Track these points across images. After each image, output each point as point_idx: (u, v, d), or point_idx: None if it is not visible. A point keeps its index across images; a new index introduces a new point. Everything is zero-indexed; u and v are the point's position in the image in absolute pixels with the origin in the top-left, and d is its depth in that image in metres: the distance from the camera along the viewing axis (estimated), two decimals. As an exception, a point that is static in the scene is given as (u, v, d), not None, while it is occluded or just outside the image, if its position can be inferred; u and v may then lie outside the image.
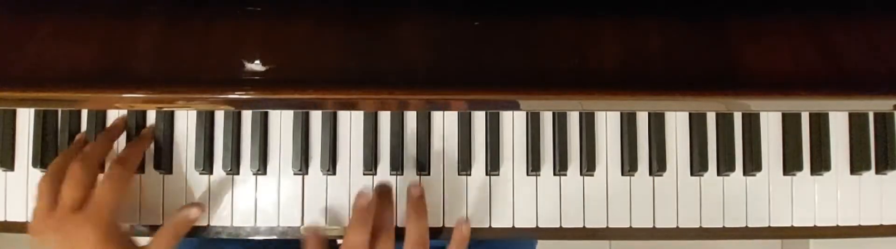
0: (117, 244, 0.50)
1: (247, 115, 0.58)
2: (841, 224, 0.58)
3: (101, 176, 0.53)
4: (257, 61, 0.47)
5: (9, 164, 0.58)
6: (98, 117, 0.58)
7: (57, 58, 0.47)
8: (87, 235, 0.49)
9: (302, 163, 0.57)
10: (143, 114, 0.58)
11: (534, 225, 0.58)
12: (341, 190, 0.58)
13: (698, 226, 0.58)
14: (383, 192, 0.57)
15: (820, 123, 0.58)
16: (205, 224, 0.58)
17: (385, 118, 0.58)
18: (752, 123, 0.58)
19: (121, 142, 0.58)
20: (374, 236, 0.52)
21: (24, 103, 0.54)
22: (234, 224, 0.58)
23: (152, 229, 0.57)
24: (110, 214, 0.51)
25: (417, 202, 0.55)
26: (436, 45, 0.48)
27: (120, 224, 0.52)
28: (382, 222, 0.53)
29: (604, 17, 0.49)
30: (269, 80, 0.46)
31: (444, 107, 0.55)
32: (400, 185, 0.58)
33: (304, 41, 0.48)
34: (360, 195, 0.55)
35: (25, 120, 0.58)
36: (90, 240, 0.49)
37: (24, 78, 0.47)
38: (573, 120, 0.58)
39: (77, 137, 0.57)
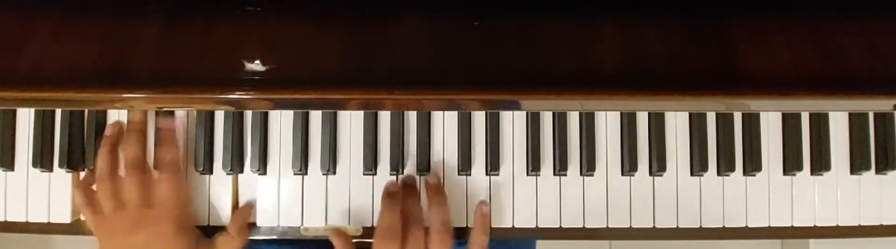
0: (194, 236, 0.55)
1: (247, 115, 0.58)
2: (841, 224, 0.58)
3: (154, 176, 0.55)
4: (257, 61, 0.47)
5: (9, 164, 0.58)
6: (98, 117, 0.58)
7: (57, 58, 0.47)
8: (167, 228, 0.53)
9: (302, 163, 0.57)
10: (143, 114, 0.58)
11: (534, 225, 0.58)
12: (341, 190, 0.58)
13: (698, 226, 0.58)
14: (409, 181, 0.58)
15: (820, 123, 0.58)
16: (205, 224, 0.58)
17: (385, 118, 0.58)
18: (752, 123, 0.58)
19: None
20: (404, 220, 0.53)
21: (24, 103, 0.54)
22: (234, 224, 0.58)
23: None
24: (180, 209, 0.54)
25: (436, 189, 0.56)
26: (436, 45, 0.48)
27: (192, 220, 0.56)
28: (410, 207, 0.55)
29: (603, 17, 0.49)
30: (269, 80, 0.46)
31: (444, 107, 0.55)
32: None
33: (304, 41, 0.48)
34: (388, 183, 0.57)
35: (25, 120, 0.58)
36: (169, 232, 0.53)
37: (24, 78, 0.47)
38: (573, 120, 0.58)
39: (107, 132, 0.57)
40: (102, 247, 0.54)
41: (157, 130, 0.57)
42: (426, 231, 0.53)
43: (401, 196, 0.56)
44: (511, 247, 0.71)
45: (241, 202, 0.58)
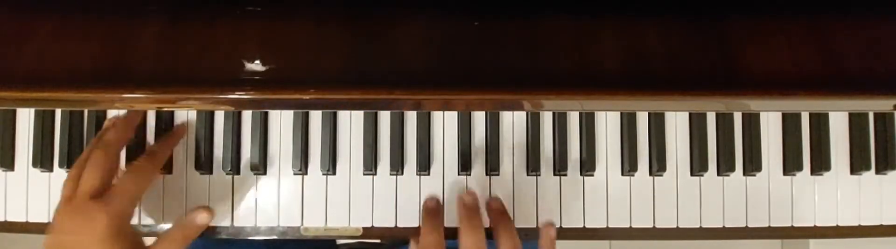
0: (125, 238, 0.49)
1: (247, 115, 0.58)
2: (841, 224, 0.58)
3: (124, 167, 0.53)
4: (257, 61, 0.47)
5: (9, 164, 0.58)
6: (98, 117, 0.58)
7: (57, 58, 0.47)
8: (98, 224, 0.47)
9: (302, 163, 0.57)
10: (144, 114, 0.58)
11: (534, 225, 0.58)
12: (341, 190, 0.58)
13: (698, 226, 0.58)
14: (470, 202, 0.56)
15: (820, 123, 0.58)
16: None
17: (385, 118, 0.58)
18: (752, 123, 0.58)
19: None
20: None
21: (24, 103, 0.54)
22: (235, 224, 0.58)
23: (150, 228, 0.57)
24: (127, 206, 0.50)
25: (470, 213, 0.54)
26: (436, 45, 0.48)
27: (132, 219, 0.51)
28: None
29: (603, 17, 0.49)
30: (269, 80, 0.46)
31: (445, 107, 0.55)
32: (398, 184, 0.58)
33: (304, 41, 0.48)
34: (429, 198, 0.56)
35: (25, 120, 0.58)
36: (98, 229, 0.47)
37: (24, 78, 0.47)
38: (573, 120, 0.58)
39: (105, 125, 0.57)
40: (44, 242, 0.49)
41: (169, 134, 0.57)
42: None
43: (443, 211, 0.55)
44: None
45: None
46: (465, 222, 0.53)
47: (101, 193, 0.49)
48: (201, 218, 0.55)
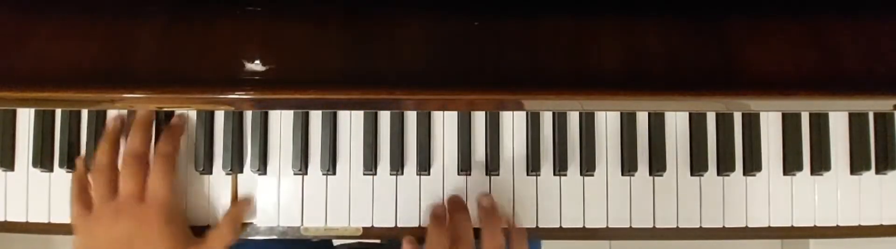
0: (182, 232, 0.54)
1: (247, 115, 0.58)
2: (841, 224, 0.58)
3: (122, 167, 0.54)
4: (257, 61, 0.47)
5: (9, 164, 0.58)
6: (98, 117, 0.58)
7: (57, 58, 0.47)
8: (156, 222, 0.52)
9: (302, 163, 0.57)
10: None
11: (534, 225, 0.58)
12: (341, 190, 0.58)
13: (698, 226, 0.58)
14: (457, 201, 0.57)
15: (820, 123, 0.58)
16: (205, 224, 0.58)
17: (385, 118, 0.58)
18: (752, 123, 0.58)
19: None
20: (453, 243, 0.52)
21: (24, 103, 0.54)
22: (234, 224, 0.58)
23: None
24: (170, 204, 0.53)
25: (490, 217, 0.55)
26: (436, 45, 0.48)
27: (180, 216, 0.55)
28: (461, 232, 0.53)
29: (604, 17, 0.49)
30: (269, 80, 0.46)
31: (444, 107, 0.55)
32: (398, 185, 0.58)
33: (304, 41, 0.48)
34: (434, 205, 0.57)
35: (25, 120, 0.58)
36: (156, 227, 0.52)
37: (24, 78, 0.47)
38: (573, 120, 0.58)
39: (110, 124, 0.57)
40: (80, 243, 0.53)
41: (167, 126, 0.57)
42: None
43: (448, 219, 0.55)
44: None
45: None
46: (487, 227, 0.54)
47: (142, 196, 0.53)
48: (245, 209, 0.57)
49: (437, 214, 0.55)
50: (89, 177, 0.55)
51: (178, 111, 0.58)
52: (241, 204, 0.58)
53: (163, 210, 0.53)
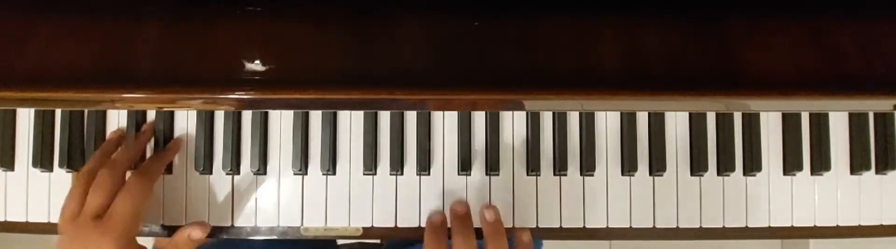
0: None
1: (247, 115, 0.58)
2: (841, 224, 0.58)
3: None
4: (257, 61, 0.47)
5: (9, 164, 0.58)
6: (98, 117, 0.58)
7: (57, 59, 0.47)
8: (102, 246, 0.49)
9: (302, 163, 0.57)
10: (143, 113, 0.58)
11: (534, 225, 0.58)
12: (341, 190, 0.58)
13: (698, 226, 0.58)
14: (461, 211, 0.56)
15: (820, 123, 0.58)
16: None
17: (385, 118, 0.58)
18: (752, 123, 0.58)
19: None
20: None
21: (24, 103, 0.54)
22: (235, 224, 0.58)
23: (151, 229, 0.57)
24: (127, 226, 0.50)
25: (494, 226, 0.54)
26: (436, 45, 0.48)
27: (136, 237, 0.52)
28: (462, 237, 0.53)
29: (604, 17, 0.49)
30: (269, 80, 0.46)
31: (444, 107, 0.55)
32: (398, 185, 0.58)
33: (304, 41, 0.48)
34: (432, 213, 0.57)
35: (25, 120, 0.58)
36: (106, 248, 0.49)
37: (24, 78, 0.47)
38: (573, 120, 0.58)
39: (109, 137, 0.57)
40: None
41: (162, 149, 0.57)
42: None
43: (445, 230, 0.55)
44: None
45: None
46: (490, 235, 0.54)
47: (104, 213, 0.50)
48: (195, 234, 0.55)
49: (435, 223, 0.55)
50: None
51: (178, 116, 0.58)
52: (186, 228, 0.55)
53: (116, 234, 0.49)
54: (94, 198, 0.51)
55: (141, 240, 0.53)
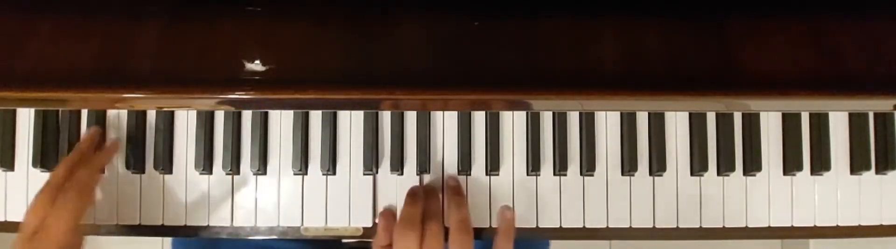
0: None
1: (247, 115, 0.58)
2: (841, 224, 0.58)
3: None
4: (257, 61, 0.47)
5: (9, 164, 0.58)
6: (98, 117, 0.58)
7: (57, 58, 0.47)
8: None
9: (302, 163, 0.57)
10: (143, 114, 0.58)
11: (534, 225, 0.58)
12: (341, 190, 0.58)
13: (698, 226, 0.58)
14: (432, 185, 0.58)
15: (820, 123, 0.58)
16: (205, 224, 0.58)
17: (385, 118, 0.58)
18: (752, 123, 0.58)
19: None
20: (424, 215, 0.52)
21: (24, 103, 0.54)
22: (234, 224, 0.58)
23: (151, 229, 0.57)
24: (61, 241, 0.48)
25: (456, 190, 0.56)
26: (436, 46, 0.48)
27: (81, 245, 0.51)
28: (431, 205, 0.54)
29: (604, 17, 0.49)
30: (269, 80, 0.46)
31: (444, 107, 0.55)
32: (399, 184, 0.58)
33: (304, 41, 0.48)
34: (412, 186, 0.58)
35: (25, 120, 0.58)
36: None
37: (24, 78, 0.47)
38: (573, 120, 0.58)
39: (83, 137, 0.57)
40: None
41: (96, 153, 0.56)
42: (446, 230, 0.52)
43: (422, 194, 0.55)
44: (525, 247, 0.71)
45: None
46: (451, 199, 0.56)
47: (38, 229, 0.49)
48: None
49: (415, 192, 0.56)
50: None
51: (178, 116, 0.58)
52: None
53: (49, 247, 0.48)
54: (29, 219, 0.49)
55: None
